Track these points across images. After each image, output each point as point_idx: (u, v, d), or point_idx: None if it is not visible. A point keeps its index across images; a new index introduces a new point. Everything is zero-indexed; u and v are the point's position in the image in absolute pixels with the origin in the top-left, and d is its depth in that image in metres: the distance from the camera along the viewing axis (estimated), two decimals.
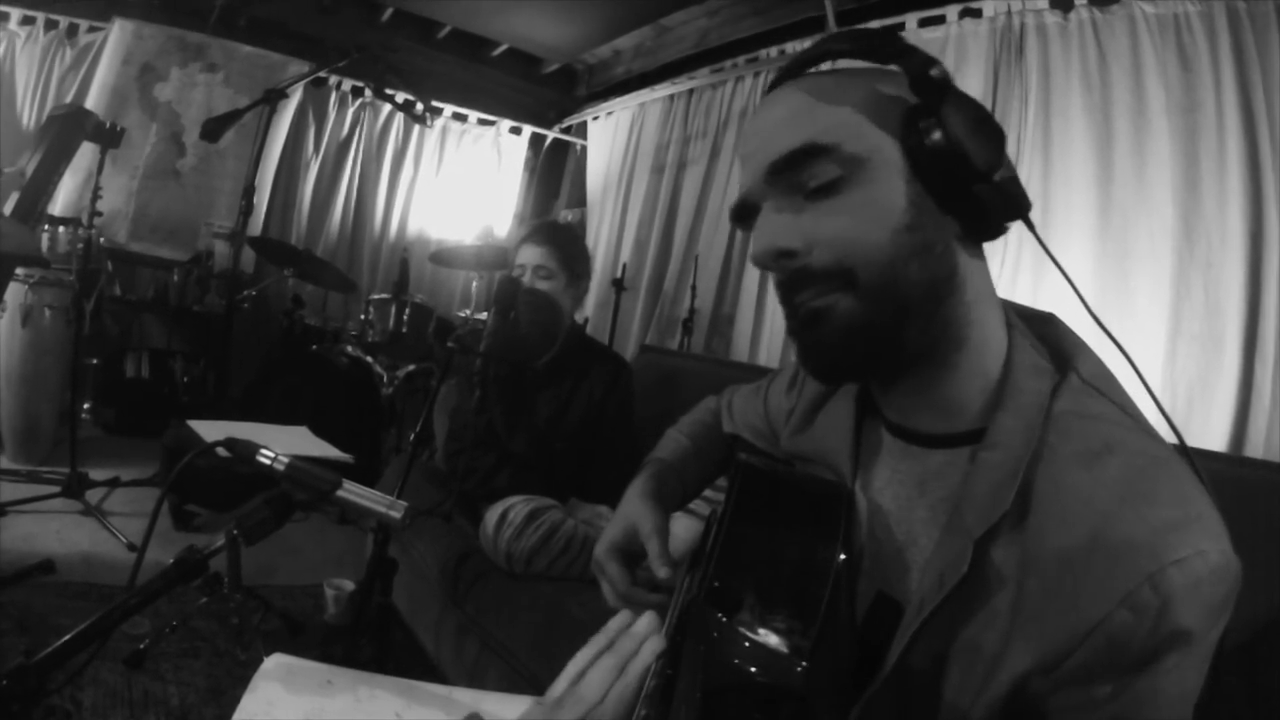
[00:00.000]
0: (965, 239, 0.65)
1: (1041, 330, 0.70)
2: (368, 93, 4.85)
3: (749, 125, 0.70)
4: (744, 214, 0.70)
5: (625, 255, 4.50)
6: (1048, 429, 0.61)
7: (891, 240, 0.61)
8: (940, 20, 2.96)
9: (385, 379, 3.69)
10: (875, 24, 3.17)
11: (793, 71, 0.70)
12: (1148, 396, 0.66)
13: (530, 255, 2.13)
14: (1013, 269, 2.55)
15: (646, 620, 0.65)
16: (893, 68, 0.64)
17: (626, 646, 0.63)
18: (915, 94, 0.62)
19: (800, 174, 0.64)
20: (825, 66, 0.70)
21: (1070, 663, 0.55)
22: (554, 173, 5.79)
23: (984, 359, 0.66)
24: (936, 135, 0.60)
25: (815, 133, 0.63)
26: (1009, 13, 2.74)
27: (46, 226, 3.28)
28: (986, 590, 0.59)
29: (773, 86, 0.71)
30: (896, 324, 0.63)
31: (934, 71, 0.60)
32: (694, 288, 3.78)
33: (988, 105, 2.74)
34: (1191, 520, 0.54)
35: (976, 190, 0.60)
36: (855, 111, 0.63)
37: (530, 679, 1.50)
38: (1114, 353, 0.67)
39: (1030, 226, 0.65)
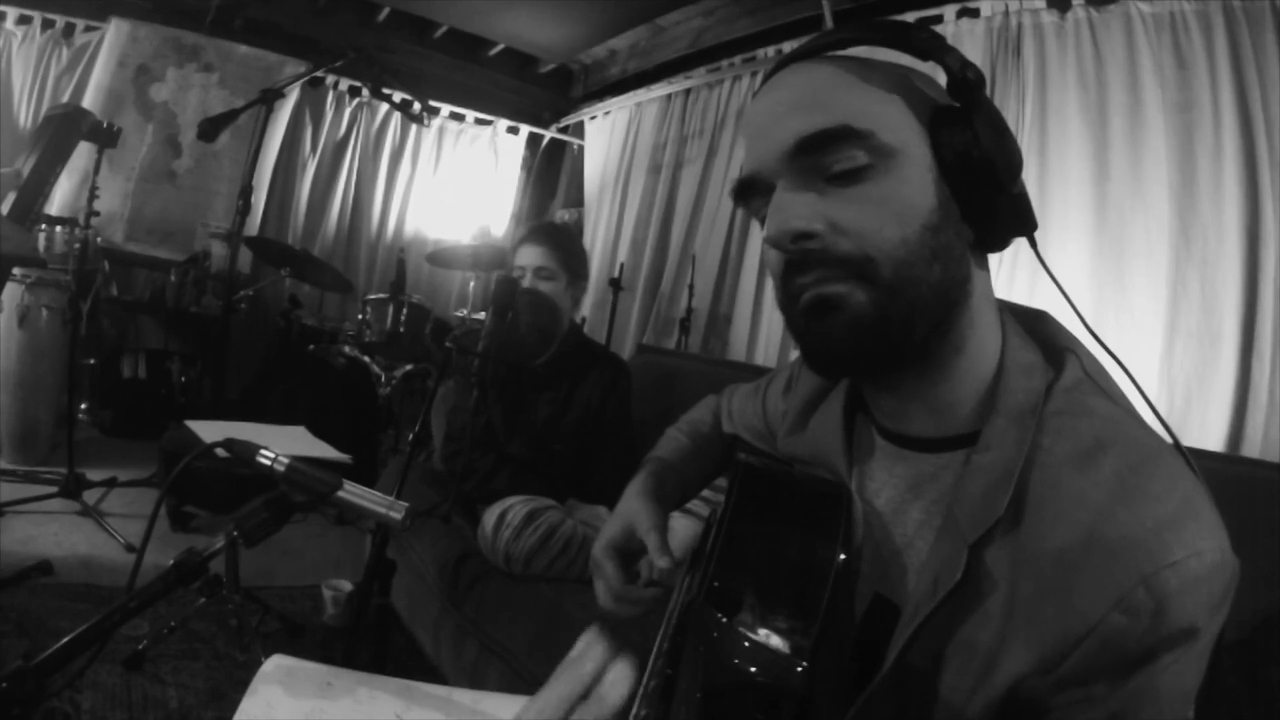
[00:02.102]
0: (977, 247, 0.64)
1: (1034, 327, 0.70)
2: (364, 93, 4.86)
3: (764, 98, 0.66)
4: (750, 191, 0.67)
5: (622, 255, 4.50)
6: (1041, 430, 0.60)
7: (917, 238, 0.60)
8: (938, 20, 2.96)
9: (382, 379, 3.68)
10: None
11: (816, 51, 0.67)
12: (1142, 400, 0.65)
13: (530, 256, 2.13)
14: (1010, 266, 2.56)
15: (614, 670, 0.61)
16: (922, 66, 0.63)
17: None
18: (953, 95, 0.61)
19: (826, 156, 0.61)
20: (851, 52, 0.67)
21: (1066, 665, 0.54)
22: (551, 173, 5.79)
23: (979, 363, 0.66)
24: (971, 140, 0.59)
25: (851, 114, 0.61)
26: (1006, 12, 2.75)
27: (43, 227, 3.27)
28: (981, 593, 0.59)
29: (786, 63, 0.68)
30: (907, 324, 0.61)
31: (971, 74, 0.59)
32: (691, 287, 3.78)
33: None
34: (1187, 518, 0.54)
35: (998, 202, 0.60)
36: (890, 100, 0.62)
37: (530, 679, 1.50)
38: (1108, 356, 0.67)
39: (1033, 245, 0.66)
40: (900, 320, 0.61)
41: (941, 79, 0.64)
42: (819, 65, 0.65)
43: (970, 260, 0.64)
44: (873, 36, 0.64)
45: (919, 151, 0.61)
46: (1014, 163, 0.61)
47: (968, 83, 0.59)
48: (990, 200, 0.61)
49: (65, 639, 0.65)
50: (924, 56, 0.62)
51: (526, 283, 2.11)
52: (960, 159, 0.60)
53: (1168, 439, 0.61)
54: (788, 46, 3.63)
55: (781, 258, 0.64)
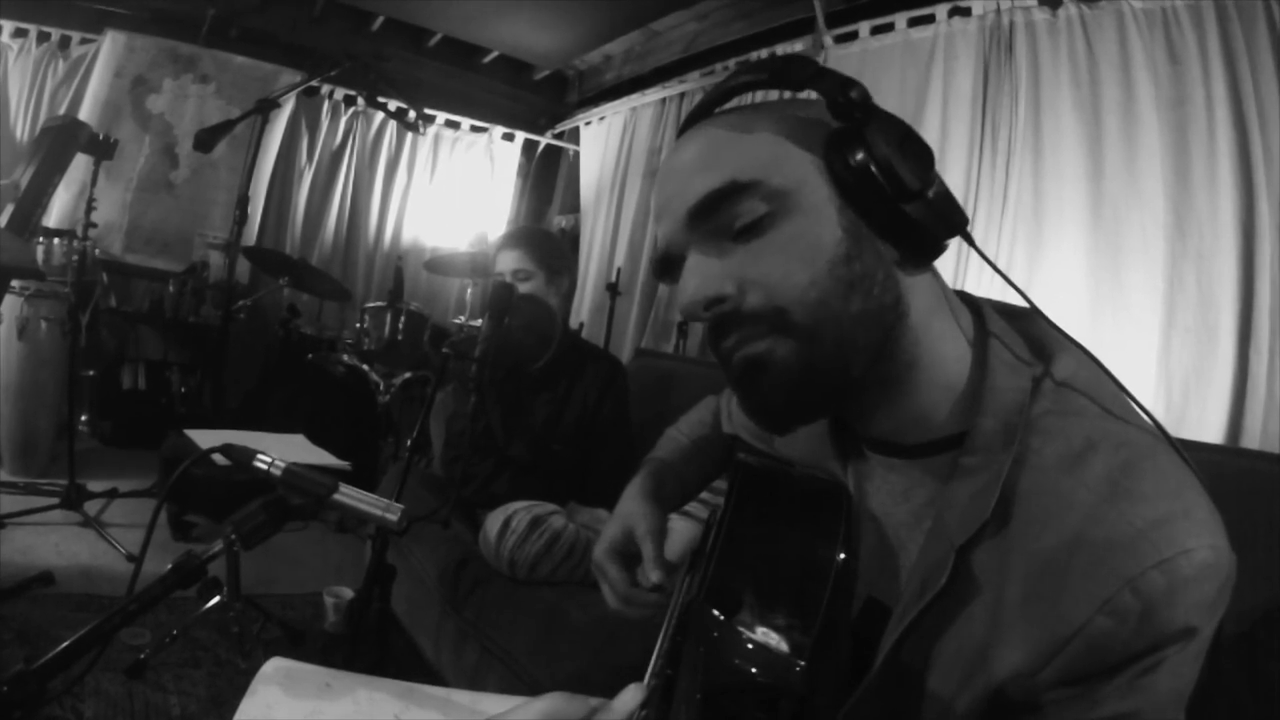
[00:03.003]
0: (904, 261, 0.62)
1: (1021, 326, 0.68)
2: (360, 101, 4.86)
3: (661, 173, 0.66)
4: (666, 267, 0.67)
5: (619, 260, 4.49)
6: (1030, 430, 0.59)
7: (828, 274, 0.59)
8: (930, 19, 2.96)
9: (381, 387, 3.68)
10: (865, 24, 3.19)
11: (703, 112, 0.67)
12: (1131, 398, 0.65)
13: (506, 261, 2.15)
14: (1005, 267, 2.56)
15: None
16: (809, 94, 0.62)
17: None
18: (836, 118, 0.60)
19: (723, 216, 0.61)
20: (737, 103, 0.67)
21: (1052, 666, 0.54)
22: (547, 179, 5.79)
23: (942, 371, 0.64)
24: (861, 157, 0.58)
25: (735, 170, 0.60)
26: (998, 10, 2.75)
27: (41, 239, 3.28)
28: (968, 595, 0.58)
29: (681, 131, 0.67)
30: (840, 363, 0.61)
31: (854, 93, 0.58)
32: None
33: (978, 103, 2.76)
34: (1178, 516, 0.53)
35: (910, 211, 0.59)
36: (775, 142, 0.61)
37: (530, 683, 1.50)
38: (1103, 349, 0.66)
39: (970, 241, 0.63)
40: (828, 363, 0.61)
41: None
42: (705, 127, 0.65)
43: (898, 278, 0.62)
44: (750, 81, 0.64)
45: (817, 184, 0.60)
46: (920, 168, 0.59)
47: (848, 104, 0.58)
48: (900, 213, 0.59)
49: (66, 642, 0.65)
50: (798, 89, 0.61)
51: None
52: (858, 180, 0.58)
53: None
54: (781, 49, 3.64)
55: (705, 325, 0.64)
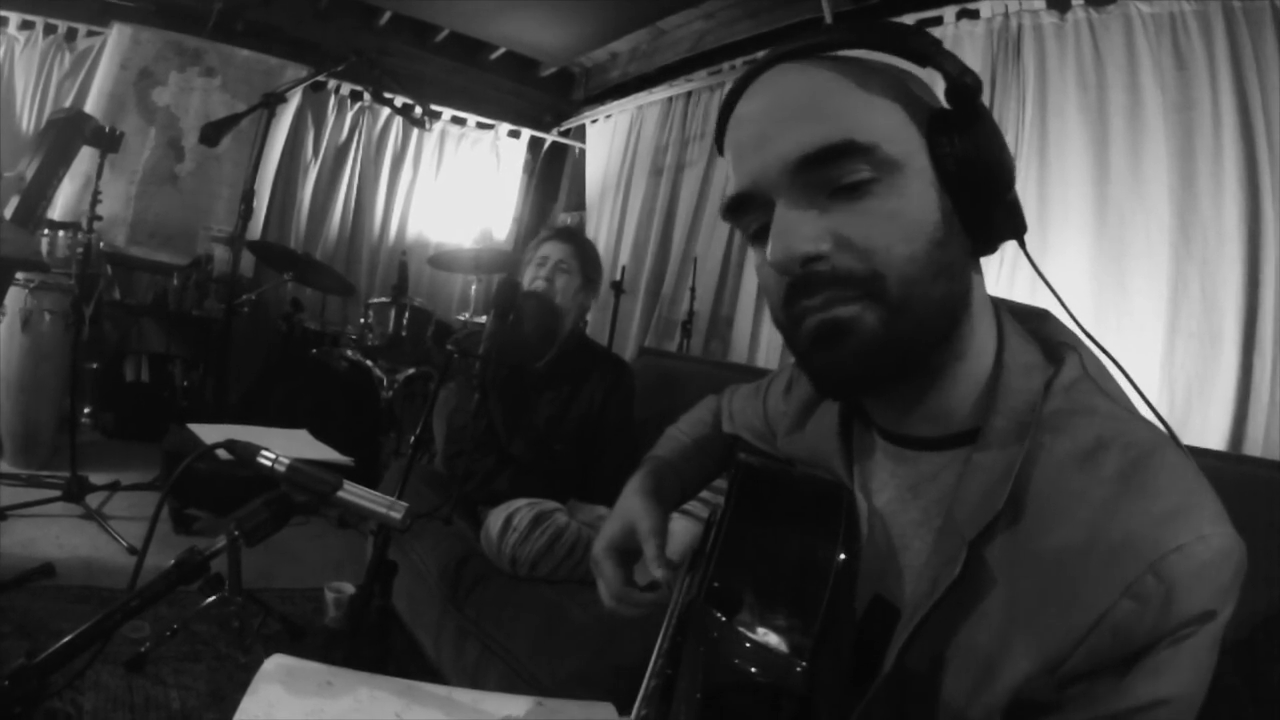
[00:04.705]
0: (973, 253, 0.63)
1: (1034, 326, 0.69)
2: (366, 96, 4.86)
3: (754, 103, 0.63)
4: (745, 207, 0.64)
5: (624, 258, 4.50)
6: (1041, 428, 0.59)
7: (925, 254, 0.58)
8: (937, 21, 2.96)
9: (384, 383, 3.69)
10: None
11: (808, 51, 0.63)
12: (1143, 403, 0.64)
13: (553, 250, 2.20)
14: (1010, 267, 2.55)
15: None
16: (919, 71, 0.61)
17: None
18: (950, 102, 0.59)
19: (830, 170, 0.58)
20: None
21: (1074, 659, 0.54)
22: (552, 176, 5.79)
23: (977, 365, 0.65)
24: (968, 146, 0.58)
25: (854, 127, 0.58)
26: (1006, 13, 2.74)
27: (46, 231, 3.28)
28: (980, 592, 0.58)
29: (773, 62, 0.64)
30: (914, 342, 0.60)
31: (970, 80, 0.57)
32: (693, 290, 3.78)
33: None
34: (1192, 506, 0.53)
35: (997, 208, 0.60)
36: (891, 109, 0.60)
37: (531, 680, 1.50)
38: (1105, 354, 0.66)
39: (1023, 247, 0.64)
40: (908, 340, 0.60)
41: (938, 84, 0.61)
42: (814, 68, 0.61)
43: (970, 269, 0.63)
44: (869, 39, 0.60)
45: (920, 163, 0.59)
46: (1010, 168, 0.60)
47: (966, 89, 0.58)
48: (988, 208, 0.60)
49: (67, 637, 0.65)
50: (922, 62, 0.59)
51: (546, 274, 2.15)
52: (961, 169, 0.58)
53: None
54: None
55: (784, 280, 0.61)
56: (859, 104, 0.59)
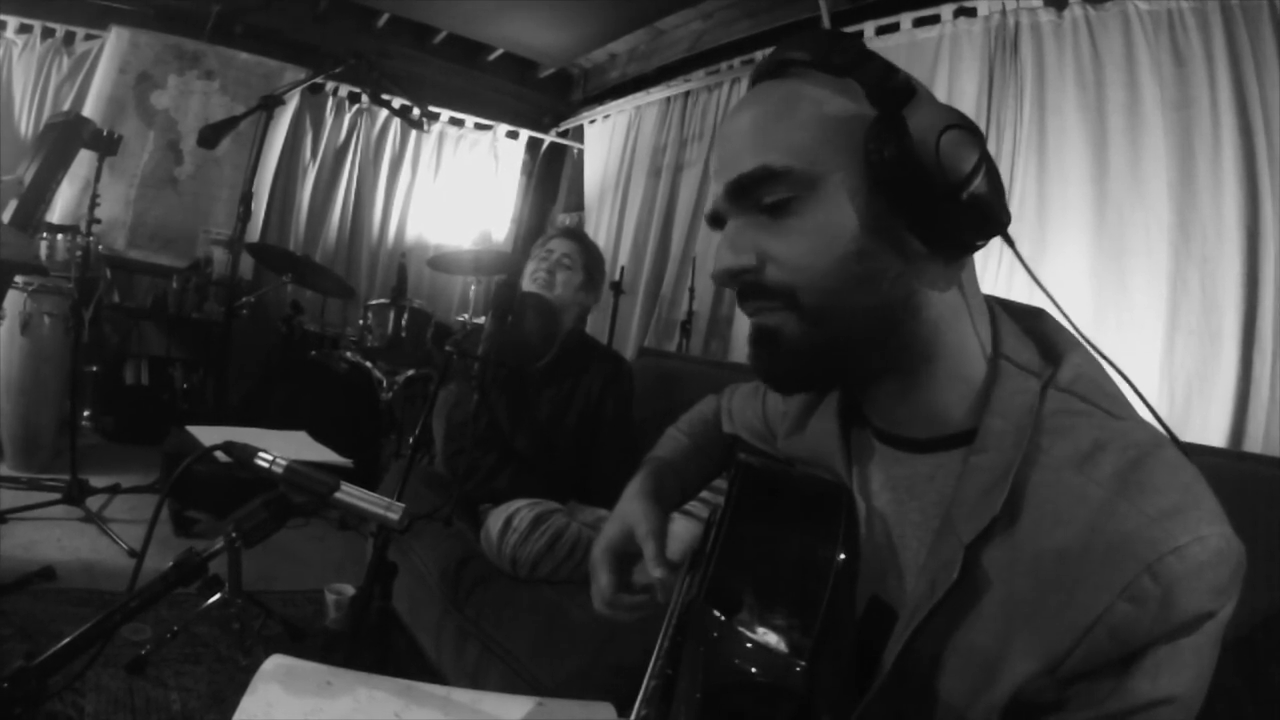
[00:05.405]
0: (932, 256, 0.61)
1: (1030, 326, 0.68)
2: (364, 98, 4.86)
3: (720, 133, 0.68)
4: (718, 222, 0.70)
5: (623, 258, 4.50)
6: (1039, 430, 0.59)
7: (839, 267, 0.61)
8: (935, 20, 2.96)
9: (384, 384, 3.69)
10: (870, 24, 3.18)
11: (759, 77, 0.68)
12: (1140, 403, 0.64)
13: (558, 245, 2.23)
14: (1010, 266, 2.56)
15: None
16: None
17: None
18: (875, 107, 0.59)
19: (754, 193, 0.63)
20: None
21: (1072, 660, 0.54)
22: (551, 177, 5.79)
23: (961, 366, 0.64)
24: (892, 150, 0.57)
25: (770, 155, 0.62)
26: (1004, 11, 2.75)
27: (45, 234, 3.28)
28: (978, 593, 0.58)
29: (754, 81, 0.69)
30: (841, 350, 0.64)
31: (892, 81, 0.58)
32: (692, 290, 3.79)
33: (983, 104, 2.75)
34: (1189, 506, 0.53)
35: (942, 206, 0.58)
36: (814, 126, 0.61)
37: (531, 681, 1.50)
38: (1105, 352, 0.66)
39: (1010, 243, 0.63)
40: (830, 346, 0.64)
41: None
42: (756, 99, 0.66)
43: (913, 275, 0.62)
44: (792, 56, 0.65)
45: (846, 175, 0.60)
46: (960, 161, 0.57)
47: (891, 93, 0.59)
48: (933, 208, 0.58)
49: (67, 638, 0.65)
50: (840, 74, 0.61)
51: (547, 268, 2.18)
52: (889, 172, 0.58)
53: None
54: None
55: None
56: (780, 130, 0.62)
